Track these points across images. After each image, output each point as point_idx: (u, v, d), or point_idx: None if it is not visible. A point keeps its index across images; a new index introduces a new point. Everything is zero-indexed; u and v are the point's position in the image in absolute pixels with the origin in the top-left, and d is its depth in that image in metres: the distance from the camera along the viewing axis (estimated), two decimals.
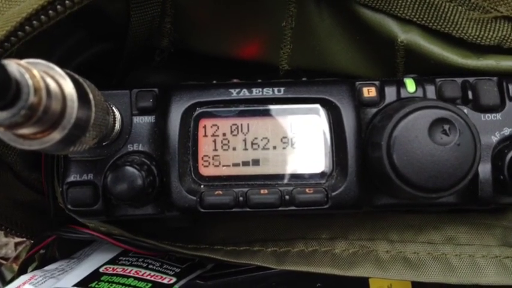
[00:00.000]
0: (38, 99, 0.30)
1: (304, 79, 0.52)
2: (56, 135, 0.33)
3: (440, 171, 0.44)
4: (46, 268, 0.60)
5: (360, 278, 0.56)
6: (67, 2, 0.41)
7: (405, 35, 0.52)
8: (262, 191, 0.48)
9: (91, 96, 0.37)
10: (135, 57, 0.60)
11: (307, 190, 0.48)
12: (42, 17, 0.42)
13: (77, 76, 0.36)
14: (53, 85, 0.32)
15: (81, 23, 0.54)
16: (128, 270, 0.55)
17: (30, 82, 0.29)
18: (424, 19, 0.51)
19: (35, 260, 0.66)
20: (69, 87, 0.34)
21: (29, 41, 0.43)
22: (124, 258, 0.58)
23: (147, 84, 0.59)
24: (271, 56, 0.60)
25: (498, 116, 0.50)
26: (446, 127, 0.44)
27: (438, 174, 0.44)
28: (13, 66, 0.29)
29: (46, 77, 0.32)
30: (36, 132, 0.33)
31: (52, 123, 0.33)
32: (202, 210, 0.48)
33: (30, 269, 0.65)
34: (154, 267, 0.56)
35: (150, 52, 0.61)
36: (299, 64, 0.60)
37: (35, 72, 0.31)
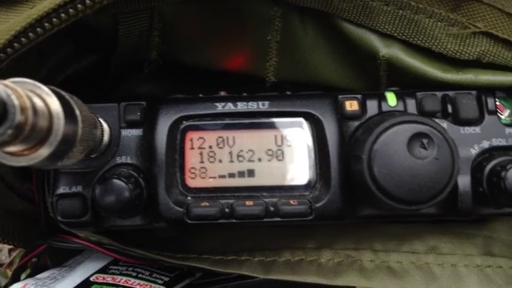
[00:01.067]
0: (25, 118, 0.31)
1: (288, 93, 0.53)
2: (44, 152, 0.35)
3: (419, 184, 0.45)
4: (38, 276, 0.61)
5: (347, 286, 0.57)
6: (54, 20, 0.43)
7: (386, 50, 0.53)
8: (247, 203, 0.49)
9: (77, 112, 0.38)
10: (124, 69, 0.61)
11: (291, 202, 0.49)
12: (31, 34, 0.43)
13: (63, 93, 0.37)
14: (39, 103, 0.33)
15: (70, 36, 0.55)
16: (117, 280, 0.56)
17: (16, 102, 0.30)
18: (405, 34, 0.52)
19: (27, 268, 0.67)
20: (55, 105, 0.35)
21: (18, 56, 0.44)
22: (114, 267, 0.59)
23: (136, 95, 0.60)
24: (257, 68, 0.61)
25: (477, 129, 0.51)
26: (424, 141, 0.45)
27: (417, 187, 0.45)
28: None
29: (32, 96, 0.33)
30: (23, 149, 0.34)
31: (39, 140, 0.34)
32: (189, 221, 0.49)
33: (23, 276, 0.66)
34: (144, 276, 0.57)
35: (139, 64, 0.62)
36: (285, 76, 0.61)
37: (21, 91, 0.32)
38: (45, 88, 0.35)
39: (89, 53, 0.60)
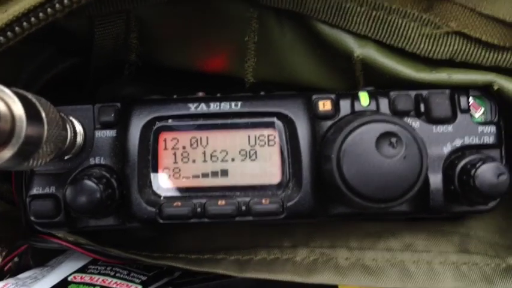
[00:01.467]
0: None
1: (262, 93, 0.54)
2: (6, 154, 0.35)
3: (387, 182, 0.45)
4: (19, 276, 0.62)
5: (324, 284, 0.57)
6: (24, 24, 0.43)
7: (361, 50, 0.54)
8: (219, 202, 0.50)
9: (43, 114, 0.38)
10: (105, 70, 0.62)
11: (263, 201, 0.50)
12: (1, 38, 0.43)
13: (29, 95, 0.38)
14: (1, 107, 0.34)
15: (49, 39, 0.56)
16: (95, 279, 0.57)
17: None
18: (379, 35, 0.53)
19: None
20: (17, 108, 0.35)
21: None
22: (93, 267, 0.60)
23: (117, 97, 0.61)
24: (236, 69, 0.61)
25: (450, 127, 0.52)
26: (393, 140, 0.46)
27: (385, 186, 0.45)
28: None
29: None
30: None
31: (1, 142, 0.35)
32: (161, 221, 0.49)
33: (8, 276, 0.67)
34: (122, 276, 0.58)
35: (119, 66, 0.62)
36: (264, 77, 0.61)
37: None
38: (7, 91, 0.35)
39: (70, 56, 0.61)
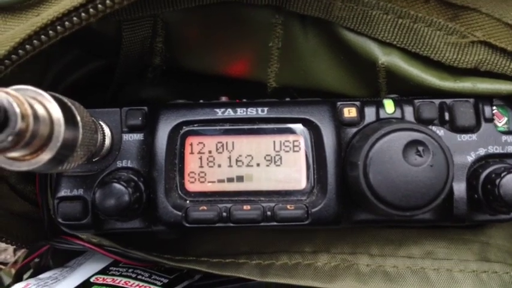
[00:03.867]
0: (26, 125, 0.32)
1: (287, 99, 0.54)
2: (44, 157, 0.35)
3: (413, 191, 0.46)
4: (40, 276, 0.62)
5: None
6: (59, 28, 0.44)
7: (386, 57, 0.54)
8: (245, 207, 0.50)
9: (78, 118, 0.39)
10: (130, 72, 0.62)
11: (288, 206, 0.50)
12: (35, 41, 0.44)
13: (65, 99, 0.38)
14: (40, 110, 0.34)
15: (77, 42, 0.56)
16: (117, 281, 0.57)
17: (17, 110, 0.31)
18: (404, 42, 0.53)
19: (30, 268, 0.68)
20: (56, 112, 0.35)
21: (24, 61, 0.45)
22: (114, 269, 0.60)
23: (140, 99, 0.61)
24: (259, 74, 0.62)
25: (474, 136, 0.52)
26: (420, 149, 0.46)
27: (412, 194, 0.46)
28: (1, 95, 0.31)
29: (34, 103, 0.34)
30: (25, 154, 0.35)
31: (40, 146, 0.35)
32: (187, 225, 0.50)
33: (25, 276, 0.67)
34: (143, 278, 0.58)
35: (143, 68, 0.63)
36: (286, 82, 0.62)
37: (22, 99, 0.32)
38: (46, 95, 0.36)
39: (96, 58, 0.61)
